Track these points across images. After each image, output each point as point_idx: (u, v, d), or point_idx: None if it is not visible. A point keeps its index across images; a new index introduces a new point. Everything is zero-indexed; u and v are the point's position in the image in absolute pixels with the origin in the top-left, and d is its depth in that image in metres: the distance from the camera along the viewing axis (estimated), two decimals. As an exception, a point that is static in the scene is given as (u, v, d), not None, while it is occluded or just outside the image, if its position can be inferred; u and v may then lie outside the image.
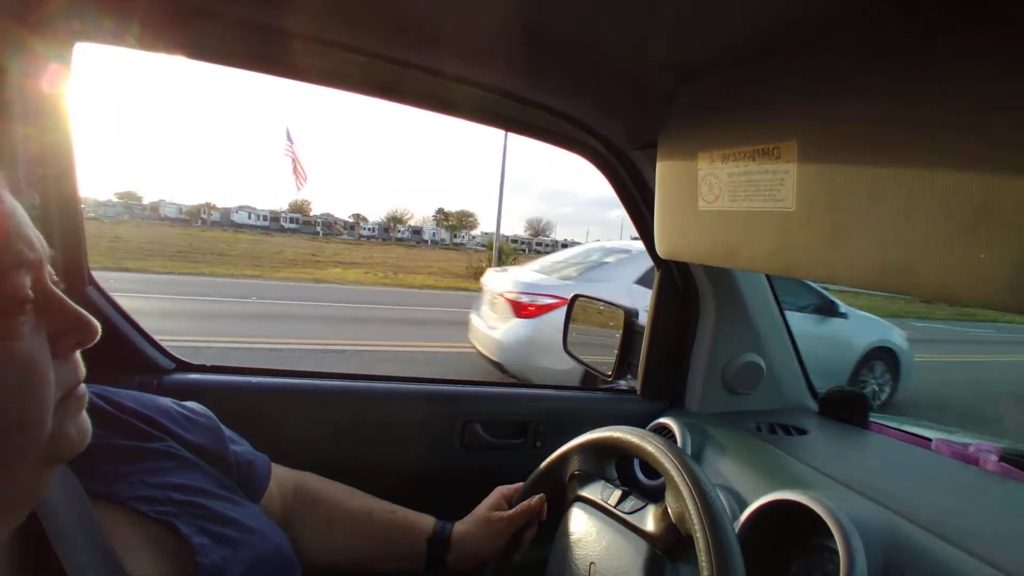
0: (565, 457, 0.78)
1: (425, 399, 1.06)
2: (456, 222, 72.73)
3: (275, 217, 60.47)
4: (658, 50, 0.67)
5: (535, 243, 73.34)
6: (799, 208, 0.55)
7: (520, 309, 3.69)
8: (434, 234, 67.91)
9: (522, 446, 1.11)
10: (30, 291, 0.36)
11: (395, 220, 71.92)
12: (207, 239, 26.06)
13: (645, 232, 1.06)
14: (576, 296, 1.33)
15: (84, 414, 0.40)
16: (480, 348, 4.13)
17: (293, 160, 23.22)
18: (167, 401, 0.59)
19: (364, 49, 0.76)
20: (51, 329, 0.38)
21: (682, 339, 1.15)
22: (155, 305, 7.05)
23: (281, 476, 0.73)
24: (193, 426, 0.59)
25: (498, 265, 17.72)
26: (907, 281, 0.45)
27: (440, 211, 76.84)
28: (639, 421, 1.08)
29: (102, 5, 0.67)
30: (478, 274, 17.42)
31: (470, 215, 73.35)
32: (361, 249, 32.53)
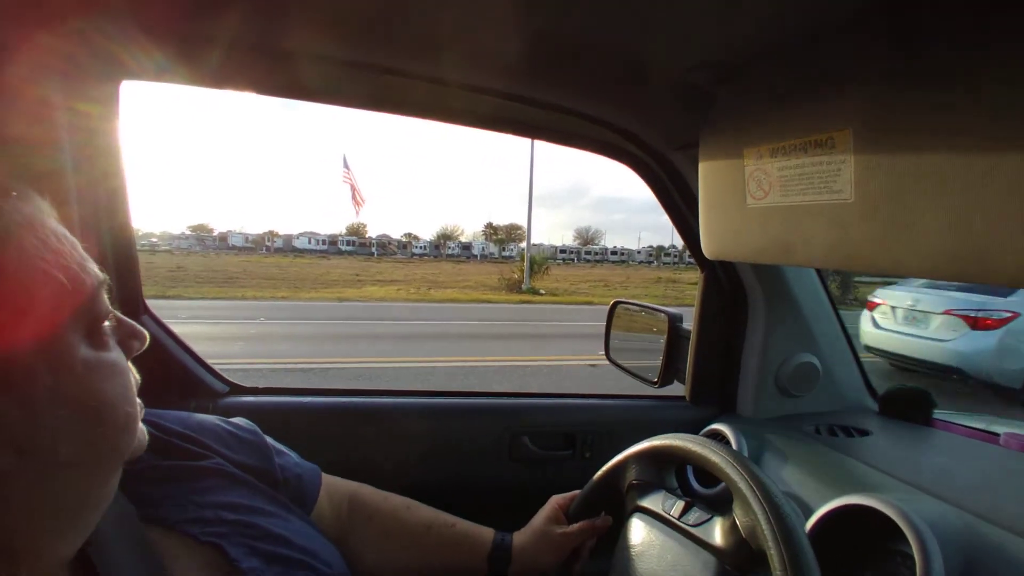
0: (622, 466, 0.76)
1: (472, 413, 1.08)
2: (505, 236, 73.44)
3: (333, 241, 63.48)
4: (694, 49, 0.65)
5: (584, 252, 72.70)
6: (858, 198, 0.52)
7: (978, 323, 4.71)
8: (483, 248, 68.87)
9: (571, 457, 1.11)
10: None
11: (445, 237, 73.67)
12: (264, 265, 27.61)
13: (688, 234, 1.05)
14: (616, 302, 1.31)
15: None
16: (895, 349, 5.25)
17: (351, 186, 24.27)
18: (211, 419, 0.61)
19: (394, 69, 0.76)
20: (117, 339, 0.42)
21: (731, 342, 1.11)
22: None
23: (334, 487, 0.72)
24: (238, 443, 0.60)
25: (530, 276, 17.72)
26: (983, 268, 0.43)
27: (489, 226, 78.01)
28: (690, 428, 1.05)
29: (144, 43, 0.70)
30: (510, 286, 17.47)
31: (518, 228, 73.90)
32: (408, 267, 33.29)
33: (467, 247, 70.24)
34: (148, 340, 0.44)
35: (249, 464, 0.58)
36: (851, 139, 0.52)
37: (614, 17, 0.59)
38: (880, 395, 1.10)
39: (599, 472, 0.78)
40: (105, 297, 0.40)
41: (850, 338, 1.11)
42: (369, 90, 0.83)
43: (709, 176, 0.73)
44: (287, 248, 57.33)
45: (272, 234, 62.13)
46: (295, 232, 63.85)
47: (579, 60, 0.72)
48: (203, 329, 7.70)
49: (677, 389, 1.18)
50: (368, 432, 1.00)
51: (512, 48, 0.69)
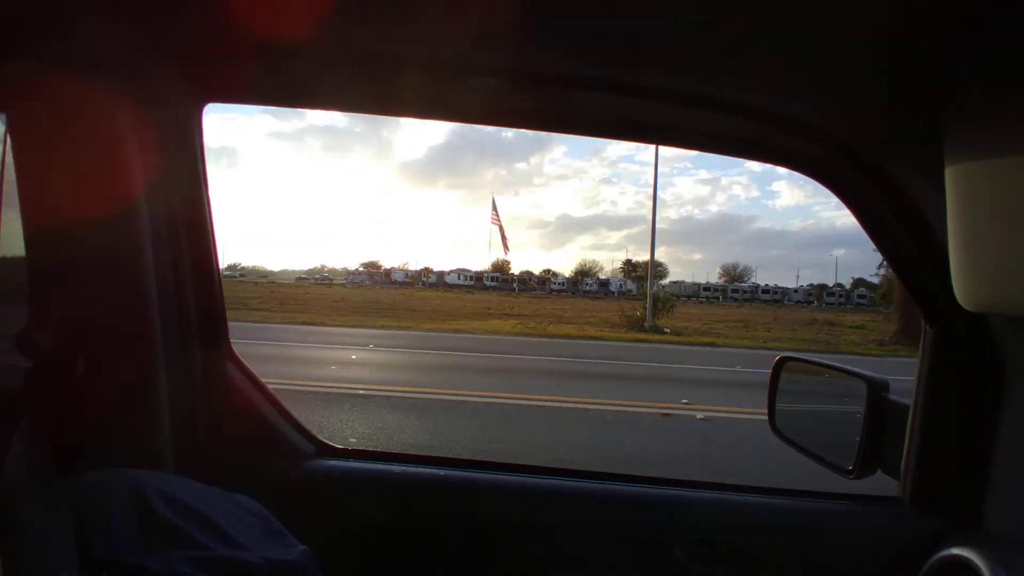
0: None
1: (603, 501, 0.87)
2: (644, 273, 71.43)
3: (479, 277, 67.88)
4: None
5: (730, 290, 66.90)
6: None
7: None
8: (621, 285, 67.52)
9: None
10: None
11: (583, 274, 74.32)
12: (415, 298, 30.58)
13: (910, 272, 0.79)
14: (784, 358, 1.03)
15: None
16: None
17: (499, 227, 26.25)
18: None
19: (508, 71, 0.68)
20: None
21: (977, 425, 0.81)
22: (264, 351, 7.88)
23: None
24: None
25: (653, 313, 17.01)
26: None
27: (627, 262, 76.87)
28: (911, 547, 0.78)
29: (225, 66, 0.68)
30: (632, 323, 16.98)
31: (659, 264, 71.51)
32: (541, 302, 34.08)
33: (604, 283, 69.56)
34: None
35: None
36: None
37: None
38: None
39: None
40: None
41: None
42: (476, 99, 0.75)
43: (968, 184, 0.50)
44: (439, 283, 62.81)
45: (428, 270, 68.91)
46: (447, 268, 69.92)
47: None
48: (312, 353, 8.69)
49: (881, 482, 0.89)
50: (470, 511, 0.86)
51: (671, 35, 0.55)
